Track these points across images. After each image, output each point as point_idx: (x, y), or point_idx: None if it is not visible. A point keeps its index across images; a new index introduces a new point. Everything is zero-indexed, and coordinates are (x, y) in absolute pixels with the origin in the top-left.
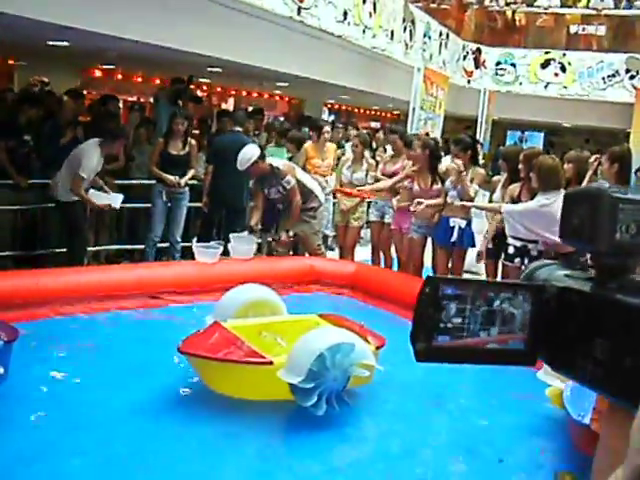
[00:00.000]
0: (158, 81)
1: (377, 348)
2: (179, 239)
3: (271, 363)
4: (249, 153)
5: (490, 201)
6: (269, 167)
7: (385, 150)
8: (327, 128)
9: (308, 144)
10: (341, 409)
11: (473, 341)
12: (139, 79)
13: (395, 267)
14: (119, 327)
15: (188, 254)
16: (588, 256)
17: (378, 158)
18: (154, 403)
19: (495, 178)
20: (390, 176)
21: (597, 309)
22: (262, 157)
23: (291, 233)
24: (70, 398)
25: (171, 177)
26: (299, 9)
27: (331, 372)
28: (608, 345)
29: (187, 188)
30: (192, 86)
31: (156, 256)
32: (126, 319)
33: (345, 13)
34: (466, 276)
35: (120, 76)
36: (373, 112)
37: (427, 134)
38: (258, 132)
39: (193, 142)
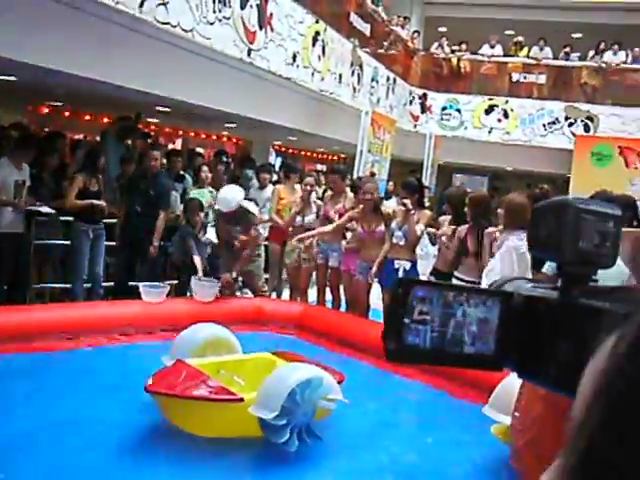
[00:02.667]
0: (106, 119)
1: (338, 383)
2: (101, 274)
3: (242, 400)
4: (236, 196)
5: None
6: (244, 210)
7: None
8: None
9: (280, 186)
10: (312, 443)
11: (441, 344)
12: (86, 117)
13: (343, 308)
14: (69, 366)
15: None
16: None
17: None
18: (113, 445)
19: (441, 218)
20: (330, 218)
21: (561, 314)
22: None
23: (234, 274)
24: (20, 442)
25: (99, 202)
26: (249, 51)
27: (301, 407)
28: (570, 346)
29: (102, 225)
30: (140, 124)
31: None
32: (75, 358)
33: (294, 56)
34: None
35: (67, 113)
36: (319, 155)
37: (372, 174)
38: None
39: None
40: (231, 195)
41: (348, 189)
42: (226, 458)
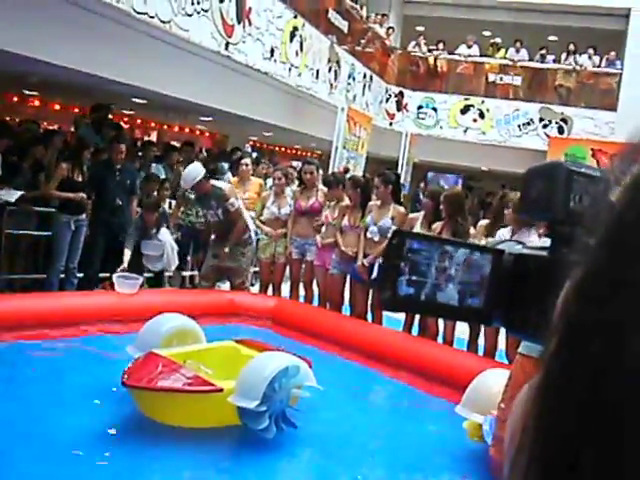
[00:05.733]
0: (79, 110)
1: None
2: (76, 266)
3: (221, 390)
4: (194, 172)
5: None
6: (212, 187)
7: None
8: (246, 161)
9: (233, 178)
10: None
11: (434, 295)
12: (59, 106)
13: (315, 302)
14: (37, 358)
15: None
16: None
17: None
18: (88, 438)
19: (411, 215)
20: (304, 212)
21: (550, 271)
22: (206, 177)
23: (226, 249)
24: None
25: (77, 195)
26: (227, 44)
27: (278, 394)
28: None
29: (84, 216)
30: (111, 114)
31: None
32: (43, 349)
33: (272, 50)
34: (386, 314)
35: (41, 102)
36: (295, 151)
37: (347, 170)
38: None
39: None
40: (189, 172)
41: (320, 184)
42: (204, 446)
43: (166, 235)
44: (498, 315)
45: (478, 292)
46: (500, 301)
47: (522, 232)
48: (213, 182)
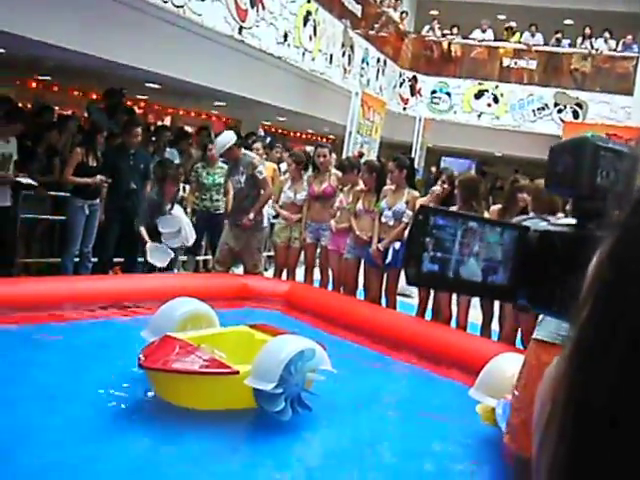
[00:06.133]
0: (94, 95)
1: None
2: (91, 250)
3: (237, 373)
4: (227, 138)
5: None
6: (242, 155)
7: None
8: (257, 145)
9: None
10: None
11: (458, 272)
12: (75, 92)
13: (330, 287)
14: (51, 340)
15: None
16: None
17: None
18: (103, 420)
19: (421, 199)
20: (317, 197)
21: (576, 247)
22: (237, 144)
23: (251, 216)
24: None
25: (95, 178)
26: (240, 28)
27: (294, 377)
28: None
29: (98, 200)
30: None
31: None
32: (58, 331)
33: (285, 35)
34: (400, 299)
35: (55, 88)
36: (308, 136)
37: (361, 154)
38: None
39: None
40: (222, 137)
41: (333, 168)
42: (219, 429)
43: (179, 211)
44: (523, 292)
45: (503, 269)
46: (525, 278)
47: (542, 218)
48: (244, 151)
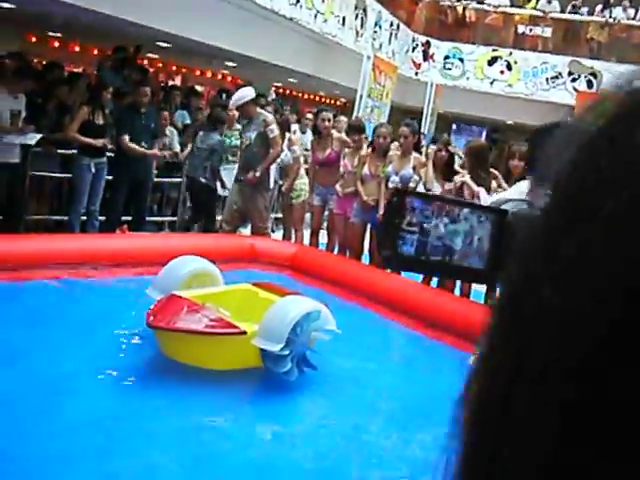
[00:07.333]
0: (105, 52)
1: None
2: (98, 208)
3: (245, 333)
4: (245, 91)
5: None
6: (257, 113)
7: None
8: (269, 109)
9: None
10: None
11: (435, 254)
12: (85, 49)
13: (336, 251)
14: (57, 298)
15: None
16: None
17: None
18: (111, 377)
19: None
20: (322, 164)
21: None
22: (254, 100)
23: (257, 173)
24: (17, 366)
25: (98, 141)
26: None
27: (300, 338)
28: None
29: (105, 159)
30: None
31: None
32: (61, 289)
33: None
34: None
35: (65, 45)
36: (319, 98)
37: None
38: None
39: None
40: (240, 91)
41: (334, 131)
42: (225, 388)
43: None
44: (500, 277)
45: (480, 253)
46: (502, 263)
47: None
48: (259, 110)
